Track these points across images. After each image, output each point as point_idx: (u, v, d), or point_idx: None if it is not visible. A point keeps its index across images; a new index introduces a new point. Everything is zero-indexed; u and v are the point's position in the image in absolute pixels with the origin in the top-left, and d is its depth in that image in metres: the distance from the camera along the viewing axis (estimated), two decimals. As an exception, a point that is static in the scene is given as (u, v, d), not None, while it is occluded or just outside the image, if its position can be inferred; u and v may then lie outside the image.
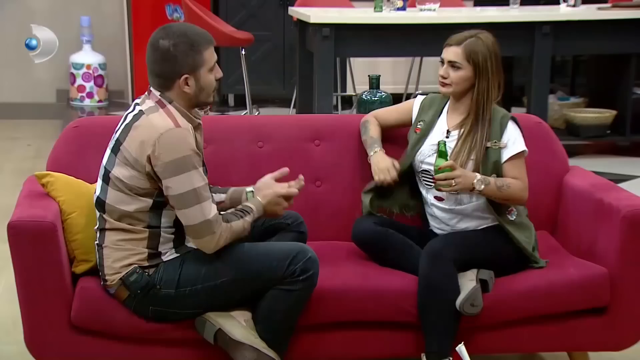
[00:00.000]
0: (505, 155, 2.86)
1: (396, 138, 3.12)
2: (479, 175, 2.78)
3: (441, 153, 2.76)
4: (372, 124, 3.09)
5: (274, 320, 2.59)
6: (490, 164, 2.85)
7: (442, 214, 2.92)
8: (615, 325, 2.82)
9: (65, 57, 7.30)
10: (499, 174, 2.85)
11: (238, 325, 2.58)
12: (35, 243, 2.55)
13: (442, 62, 2.92)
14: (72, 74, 7.39)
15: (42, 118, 7.25)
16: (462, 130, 2.90)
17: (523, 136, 2.91)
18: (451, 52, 2.88)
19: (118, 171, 2.56)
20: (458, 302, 2.65)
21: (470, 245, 2.80)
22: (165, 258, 2.60)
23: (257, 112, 6.78)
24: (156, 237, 2.59)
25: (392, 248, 2.85)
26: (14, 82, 7.48)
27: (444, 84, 2.91)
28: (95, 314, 2.62)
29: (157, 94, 2.60)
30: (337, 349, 2.76)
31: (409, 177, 3.00)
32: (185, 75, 2.55)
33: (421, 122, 3.00)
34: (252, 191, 2.77)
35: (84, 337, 2.64)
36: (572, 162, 3.27)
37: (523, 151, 2.89)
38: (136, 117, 2.57)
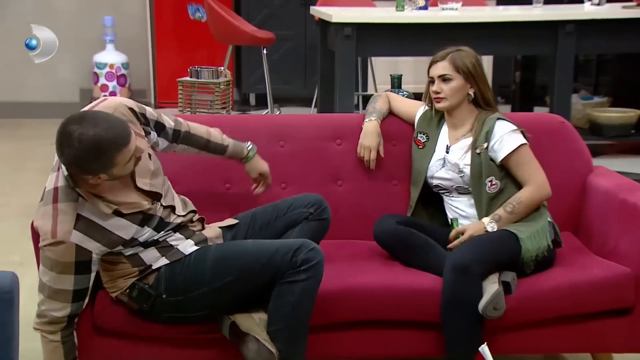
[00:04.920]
0: (500, 155, 2.87)
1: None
2: (487, 219, 2.85)
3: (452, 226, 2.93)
4: (382, 99, 3.19)
5: (283, 316, 2.54)
6: (484, 168, 2.87)
7: (462, 205, 2.95)
8: (640, 327, 2.80)
9: (89, 57, 7.36)
10: (495, 173, 2.87)
11: (249, 319, 2.56)
12: (59, 241, 2.56)
13: (431, 81, 3.00)
14: (95, 73, 7.43)
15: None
16: (461, 144, 2.95)
17: (521, 132, 2.90)
18: (439, 67, 2.97)
19: None
20: (481, 305, 2.63)
21: (494, 252, 2.75)
22: (158, 265, 2.57)
23: (279, 112, 6.78)
24: (135, 256, 2.56)
25: (414, 248, 2.84)
26: (38, 81, 7.53)
27: (439, 100, 2.97)
28: (116, 316, 2.62)
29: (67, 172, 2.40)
30: (357, 348, 2.75)
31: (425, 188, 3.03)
32: (97, 176, 2.39)
33: (422, 135, 3.04)
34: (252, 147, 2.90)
35: (105, 339, 2.65)
36: (596, 162, 3.25)
37: (520, 146, 2.87)
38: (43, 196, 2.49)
